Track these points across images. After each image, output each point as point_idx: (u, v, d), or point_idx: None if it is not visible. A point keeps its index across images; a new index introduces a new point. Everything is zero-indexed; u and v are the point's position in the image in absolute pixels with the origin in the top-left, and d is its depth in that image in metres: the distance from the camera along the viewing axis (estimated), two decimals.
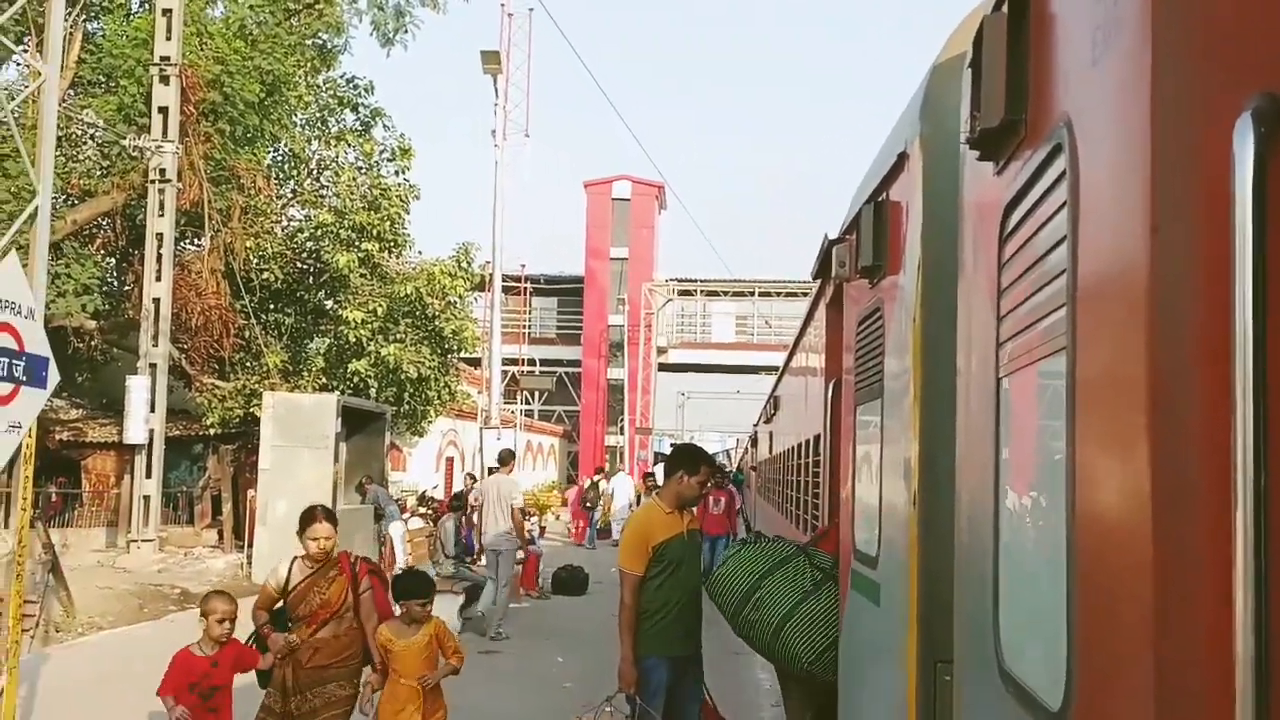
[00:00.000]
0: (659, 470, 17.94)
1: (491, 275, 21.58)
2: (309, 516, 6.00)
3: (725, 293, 49.17)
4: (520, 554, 16.73)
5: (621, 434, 45.89)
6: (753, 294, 48.31)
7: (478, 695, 9.67)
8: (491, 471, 14.42)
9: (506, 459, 13.76)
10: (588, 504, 26.54)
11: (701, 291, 49.58)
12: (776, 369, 45.20)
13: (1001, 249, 2.34)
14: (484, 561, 14.18)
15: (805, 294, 47.37)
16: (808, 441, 7.72)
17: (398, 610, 6.18)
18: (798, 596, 5.03)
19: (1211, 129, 1.35)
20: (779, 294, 48.56)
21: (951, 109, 3.25)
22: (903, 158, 3.72)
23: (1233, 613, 1.23)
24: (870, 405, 4.25)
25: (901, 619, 3.44)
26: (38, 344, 6.80)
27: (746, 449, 33.84)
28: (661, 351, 49.09)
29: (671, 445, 6.67)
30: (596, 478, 29.04)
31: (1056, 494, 1.90)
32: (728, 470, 21.36)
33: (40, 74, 7.62)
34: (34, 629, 11.93)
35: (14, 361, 6.45)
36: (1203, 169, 1.38)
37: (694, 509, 6.36)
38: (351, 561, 6.12)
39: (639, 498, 14.56)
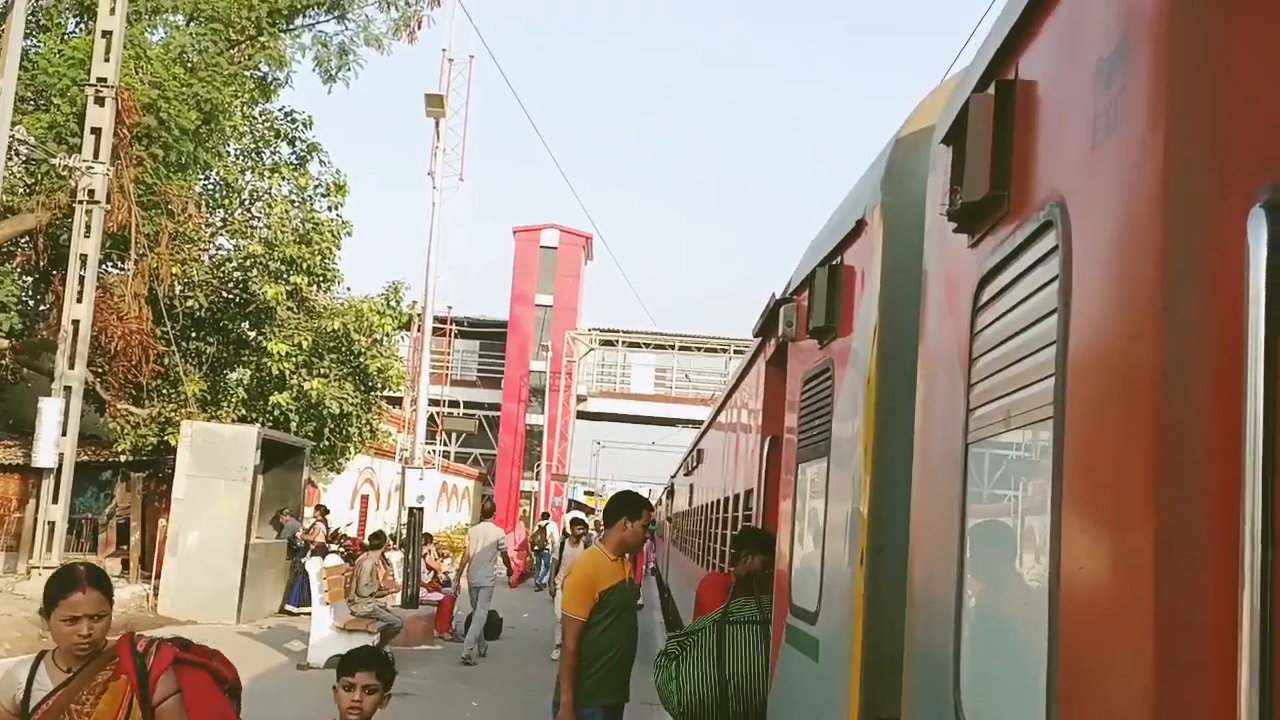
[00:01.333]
0: (573, 516, 17.93)
1: (421, 315, 21.55)
2: (64, 582, 3.54)
3: (646, 345, 49.59)
4: (437, 595, 16.73)
5: (537, 479, 45.75)
6: (674, 347, 48.78)
7: None
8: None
9: (490, 511, 16.54)
10: (535, 546, 27.02)
11: (623, 342, 49.95)
12: (694, 422, 45.49)
13: (975, 318, 2.40)
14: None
15: (724, 350, 48.23)
16: (737, 496, 7.85)
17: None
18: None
19: (1224, 217, 1.42)
20: (699, 349, 49.16)
21: (914, 180, 3.40)
22: (860, 224, 3.82)
23: (1237, 694, 1.27)
24: (814, 463, 4.29)
25: (843, 675, 3.44)
26: None
27: (661, 500, 33.94)
28: (581, 399, 49.26)
29: (612, 496, 6.71)
30: (543, 522, 29.47)
31: (1036, 555, 1.95)
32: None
33: None
34: None
35: None
36: (1215, 255, 1.44)
37: (634, 556, 6.50)
38: (137, 651, 3.60)
39: (562, 543, 14.67)
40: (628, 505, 6.17)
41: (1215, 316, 1.43)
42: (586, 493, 53.92)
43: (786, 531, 4.89)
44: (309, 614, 17.52)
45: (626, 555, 6.19)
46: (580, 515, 21.12)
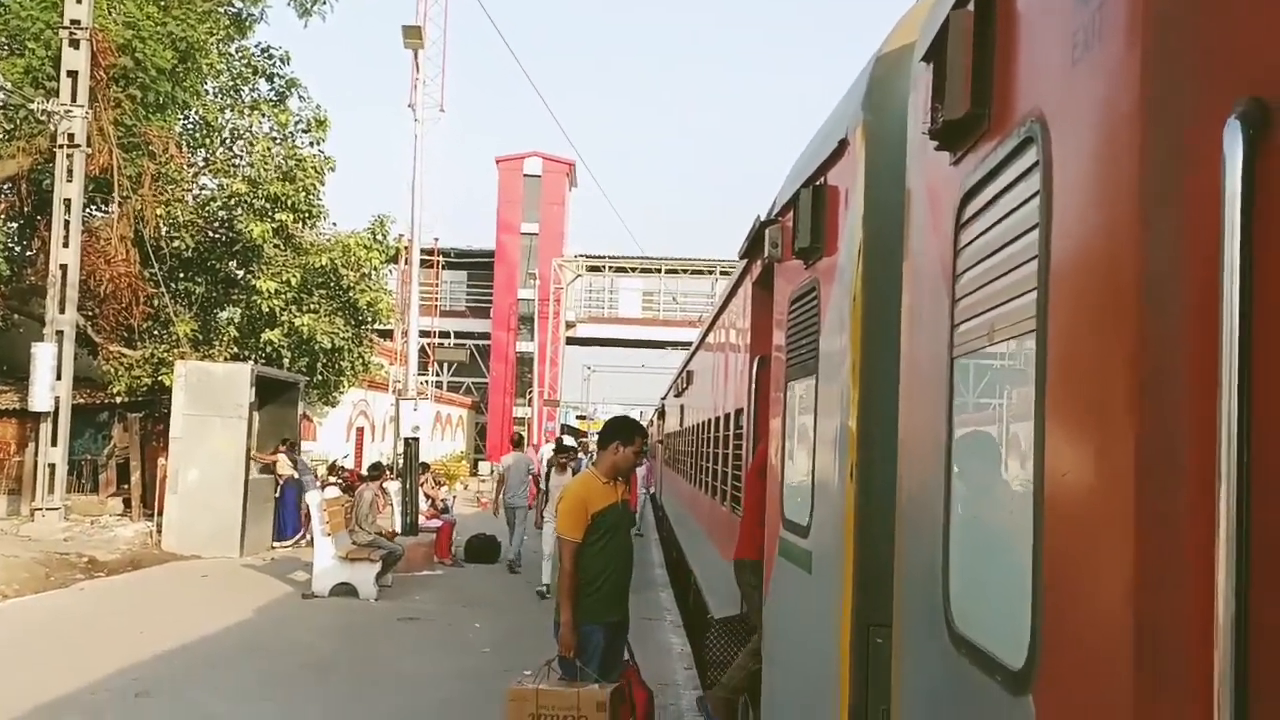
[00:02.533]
0: (557, 443, 18.10)
1: (409, 248, 21.63)
2: None
3: (633, 269, 49.66)
4: (447, 519, 17.17)
5: (529, 406, 46.13)
6: (659, 271, 48.88)
7: (402, 662, 10.00)
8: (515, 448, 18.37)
9: (520, 440, 18.51)
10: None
11: (610, 268, 50.02)
12: (682, 344, 45.61)
13: (958, 235, 2.44)
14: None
15: (710, 271, 48.30)
16: (727, 415, 8.00)
17: None
18: None
19: (1200, 130, 1.44)
20: (685, 271, 49.29)
21: (895, 98, 3.43)
22: (843, 144, 3.83)
23: (1214, 576, 1.32)
24: (803, 381, 4.37)
25: (835, 586, 3.56)
26: None
27: (653, 421, 34.22)
28: (570, 325, 49.46)
29: (607, 420, 6.88)
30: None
31: (1021, 464, 2.02)
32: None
33: None
34: None
35: None
36: (1191, 167, 1.47)
37: (628, 479, 6.60)
38: None
39: (548, 473, 14.87)
40: (620, 430, 6.37)
41: (1193, 229, 1.46)
42: (579, 417, 54.33)
43: (776, 448, 5.00)
44: (289, 547, 17.99)
45: (619, 479, 6.39)
46: (568, 440, 21.33)
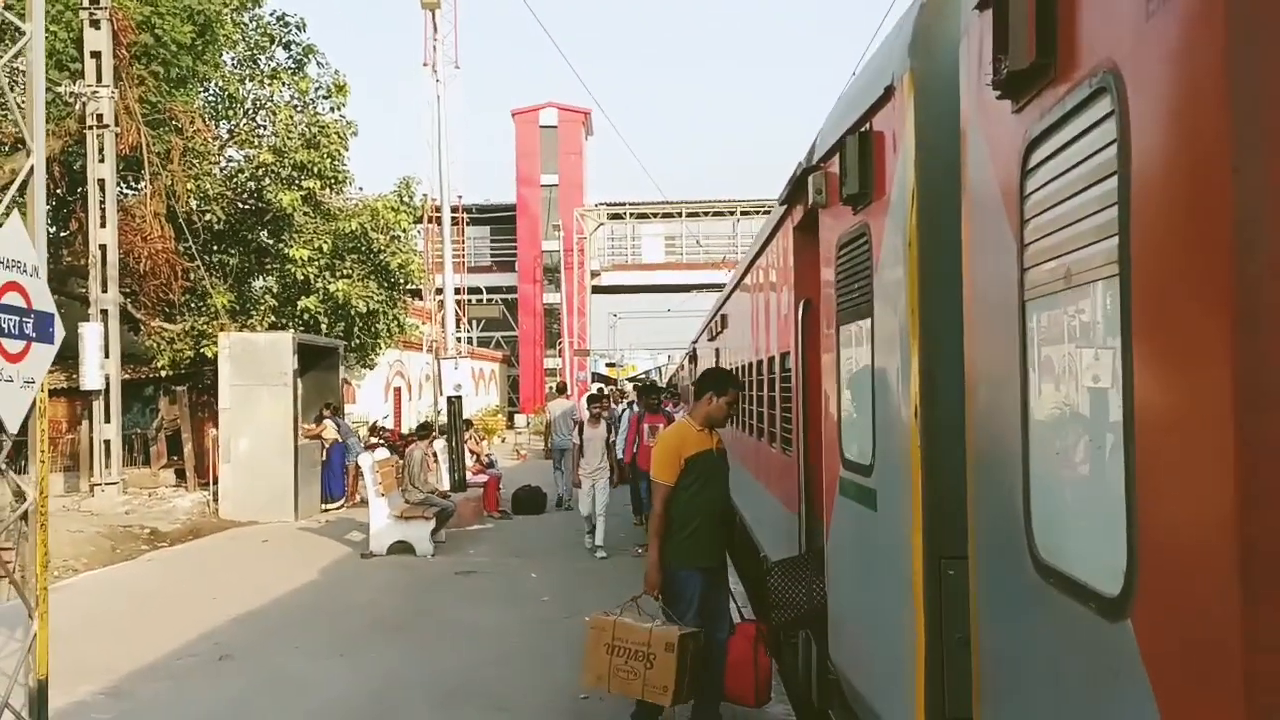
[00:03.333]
0: (590, 394, 18.23)
1: (435, 208, 21.79)
2: None
3: (654, 215, 49.65)
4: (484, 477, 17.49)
5: (559, 357, 46.46)
6: (681, 214, 48.83)
7: (462, 612, 10.34)
8: (554, 396, 21.69)
9: (564, 388, 21.40)
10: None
11: (631, 214, 50.03)
12: (708, 286, 45.25)
13: (1024, 182, 2.50)
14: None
15: (731, 212, 48.11)
16: (771, 358, 8.14)
17: None
18: None
19: None
20: (706, 213, 49.24)
21: (942, 44, 3.52)
22: (889, 90, 3.89)
23: None
24: (857, 323, 4.45)
25: (904, 521, 3.67)
26: (43, 301, 6.89)
27: (683, 365, 34.31)
28: (595, 274, 49.60)
29: (702, 371, 6.99)
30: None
31: (1107, 397, 2.08)
32: (662, 389, 20.77)
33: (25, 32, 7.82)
34: (11, 574, 12.24)
35: (23, 319, 6.55)
36: (1275, 115, 1.57)
37: (720, 430, 6.59)
38: None
39: (580, 426, 14.80)
40: (715, 381, 6.45)
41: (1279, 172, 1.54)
42: (608, 365, 54.65)
43: (831, 390, 5.09)
44: (339, 508, 18.37)
45: (712, 428, 6.45)
46: (600, 388, 21.71)
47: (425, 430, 15.19)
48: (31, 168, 7.89)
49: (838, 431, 4.89)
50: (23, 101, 8.12)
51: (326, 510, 18.36)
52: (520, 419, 41.47)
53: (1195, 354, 1.73)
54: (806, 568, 6.09)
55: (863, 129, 4.27)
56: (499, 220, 51.10)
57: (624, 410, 16.67)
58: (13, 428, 6.43)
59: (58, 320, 7.14)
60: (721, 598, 6.55)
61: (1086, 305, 2.22)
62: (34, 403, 7.08)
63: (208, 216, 20.26)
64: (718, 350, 16.11)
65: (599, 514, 13.46)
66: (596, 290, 51.08)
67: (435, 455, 16.23)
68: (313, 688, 7.88)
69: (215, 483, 17.86)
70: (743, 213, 49.17)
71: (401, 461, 15.21)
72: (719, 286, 40.26)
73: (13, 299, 6.60)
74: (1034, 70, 2.38)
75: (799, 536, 6.58)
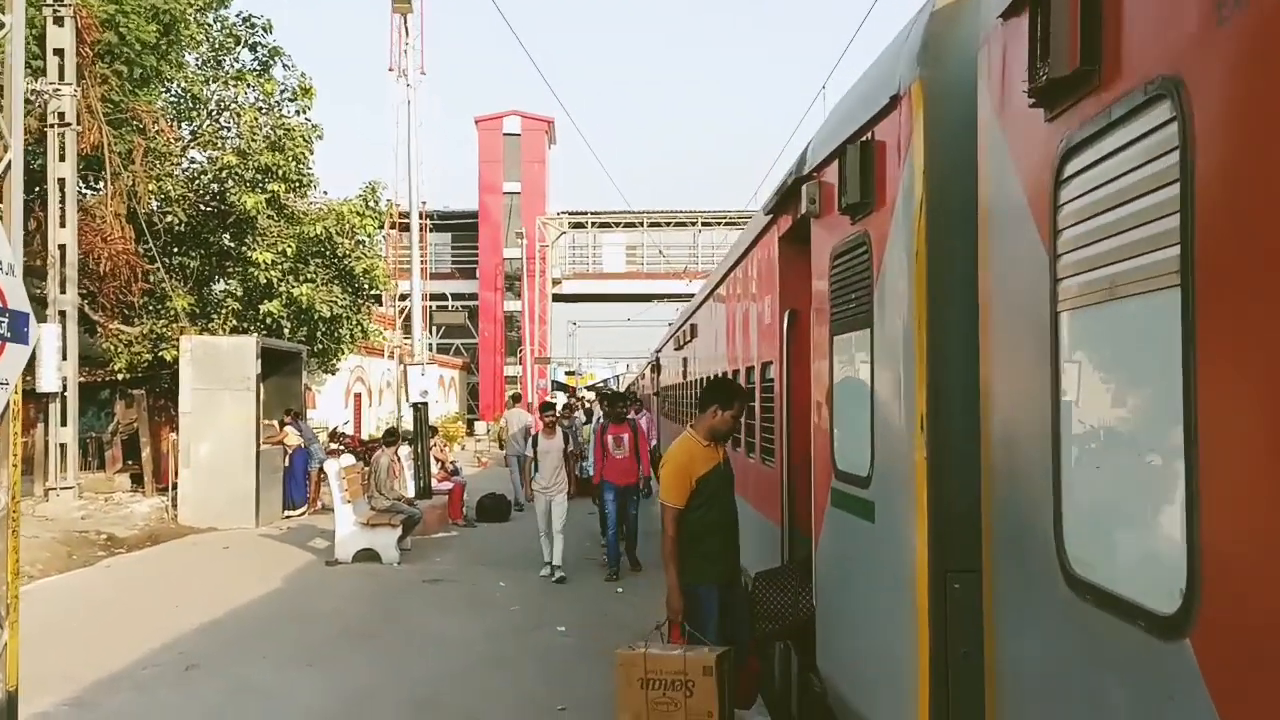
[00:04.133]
0: (544, 402, 17.96)
1: (403, 213, 21.67)
2: None
3: (616, 224, 49.71)
4: (449, 485, 17.35)
5: (519, 364, 46.35)
6: (643, 224, 48.94)
7: (431, 621, 10.25)
8: (511, 406, 22.46)
9: (518, 397, 22.88)
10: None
11: (593, 223, 50.09)
12: (669, 296, 45.13)
13: (1057, 190, 2.46)
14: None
15: (693, 222, 48.20)
16: (749, 368, 8.10)
17: None
18: None
19: None
20: (668, 223, 49.38)
21: (954, 53, 3.48)
22: (895, 99, 3.84)
23: None
24: (853, 334, 4.41)
25: (905, 533, 3.61)
26: (19, 300, 6.71)
27: (644, 374, 34.23)
28: (556, 283, 49.57)
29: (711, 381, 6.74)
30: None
31: (1169, 406, 1.99)
32: (625, 397, 19.61)
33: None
34: None
35: None
36: None
37: (725, 441, 6.42)
38: None
39: (535, 437, 13.03)
40: (720, 393, 6.22)
41: None
42: (567, 373, 54.58)
43: (821, 401, 5.03)
44: (301, 515, 18.15)
45: (717, 441, 6.25)
46: (559, 398, 21.84)
47: (392, 436, 15.05)
48: (9, 163, 7.75)
49: (829, 442, 4.84)
50: None
51: (289, 517, 18.14)
52: (480, 426, 41.27)
53: (1269, 363, 1.69)
54: (790, 578, 6.08)
55: (864, 138, 4.24)
56: (459, 227, 50.95)
57: (595, 422, 16.37)
58: None
59: (33, 320, 6.99)
60: (741, 606, 6.36)
61: (1138, 315, 2.16)
62: (6, 405, 6.94)
63: (169, 218, 19.99)
64: (685, 359, 16.02)
65: (557, 531, 12.48)
66: (557, 299, 51.08)
67: (400, 462, 16.09)
68: (283, 698, 7.77)
69: (173, 488, 17.58)
70: (704, 223, 49.40)
71: (367, 468, 15.07)
72: (680, 296, 40.62)
73: None
74: (1076, 77, 2.34)
75: (781, 547, 6.59)
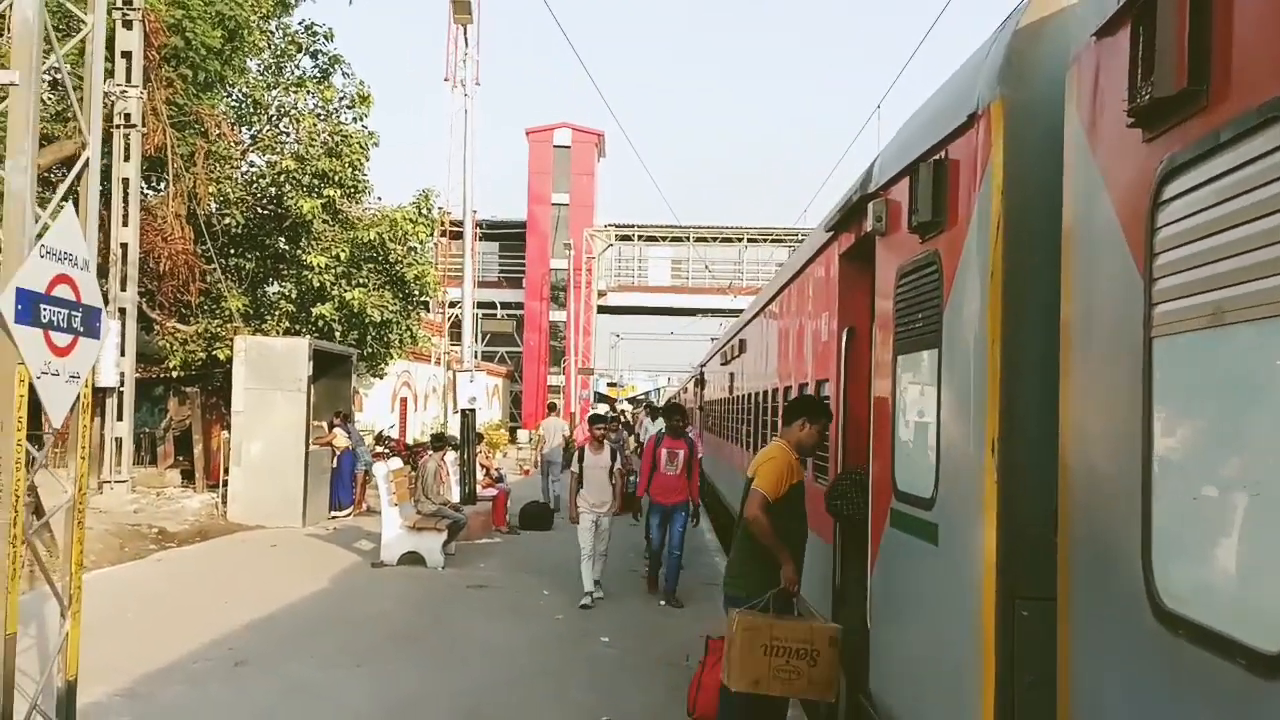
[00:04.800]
0: (592, 414, 17.64)
1: (454, 221, 21.90)
2: None
3: (663, 238, 49.87)
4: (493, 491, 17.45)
5: (563, 374, 46.55)
6: (689, 239, 49.04)
7: (476, 627, 10.29)
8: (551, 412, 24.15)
9: (555, 407, 24.61)
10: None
11: (639, 236, 50.28)
12: (713, 311, 45.14)
13: (1155, 213, 2.42)
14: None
15: (740, 239, 48.23)
16: (803, 385, 8.08)
17: None
18: None
19: None
20: (715, 239, 49.46)
21: (1037, 72, 3.45)
22: (973, 117, 3.79)
23: None
24: (920, 353, 4.36)
25: (972, 557, 3.55)
26: (92, 295, 6.76)
27: (687, 388, 34.21)
28: (601, 294, 49.78)
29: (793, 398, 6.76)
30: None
31: (1271, 438, 1.95)
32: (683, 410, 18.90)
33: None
34: (46, 570, 12.19)
35: (72, 313, 6.47)
36: None
37: (811, 457, 6.47)
38: None
39: (581, 451, 12.28)
40: (809, 408, 6.25)
41: None
42: (609, 384, 54.73)
43: (884, 420, 4.97)
44: (347, 517, 18.33)
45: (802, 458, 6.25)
46: (600, 411, 20.64)
47: (440, 442, 15.17)
48: (87, 160, 7.93)
49: (890, 461, 4.79)
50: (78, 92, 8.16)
51: (334, 517, 18.33)
52: (523, 434, 41.45)
53: None
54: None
55: (937, 156, 4.20)
56: (507, 237, 51.35)
57: (649, 434, 16.24)
58: (57, 422, 6.43)
59: (104, 315, 7.06)
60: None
61: (1244, 342, 2.10)
62: (77, 398, 7.03)
63: (227, 220, 20.34)
64: (732, 375, 15.96)
65: (602, 553, 11.96)
66: (602, 310, 51.26)
67: (447, 467, 16.22)
68: (332, 699, 7.84)
69: (223, 485, 17.83)
70: (750, 240, 49.42)
71: (414, 472, 15.20)
72: (724, 311, 40.65)
73: (63, 292, 6.43)
74: (1181, 98, 2.30)
75: (834, 566, 6.57)
